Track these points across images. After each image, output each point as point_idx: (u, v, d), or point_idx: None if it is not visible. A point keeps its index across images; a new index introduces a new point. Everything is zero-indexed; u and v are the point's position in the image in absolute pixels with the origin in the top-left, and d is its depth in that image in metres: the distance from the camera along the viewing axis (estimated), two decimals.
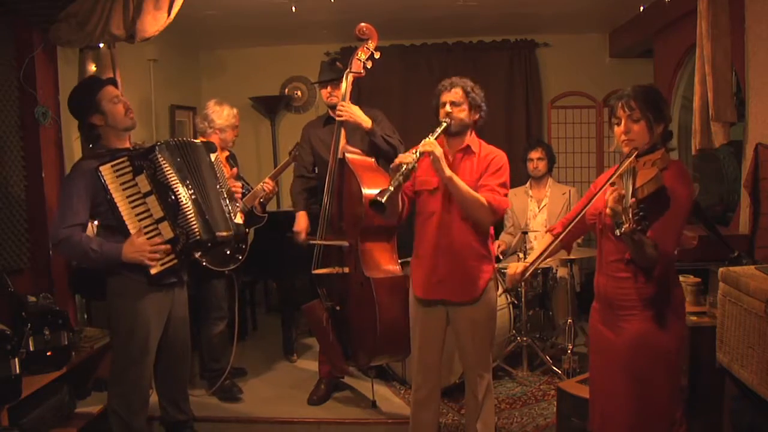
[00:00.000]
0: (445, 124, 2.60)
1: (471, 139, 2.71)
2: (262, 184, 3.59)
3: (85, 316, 3.81)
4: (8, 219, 3.21)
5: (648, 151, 2.04)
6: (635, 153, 2.03)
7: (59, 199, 2.69)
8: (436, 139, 2.55)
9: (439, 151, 2.50)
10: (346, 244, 3.09)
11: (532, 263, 2.31)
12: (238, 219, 2.91)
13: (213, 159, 2.87)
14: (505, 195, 2.66)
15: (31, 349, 2.88)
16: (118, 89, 2.75)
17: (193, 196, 2.68)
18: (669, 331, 2.04)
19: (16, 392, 2.64)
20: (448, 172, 2.52)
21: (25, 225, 3.29)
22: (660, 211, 1.94)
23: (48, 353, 2.94)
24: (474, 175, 2.65)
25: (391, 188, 2.41)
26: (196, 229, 2.64)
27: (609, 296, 2.14)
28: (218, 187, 2.83)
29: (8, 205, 3.21)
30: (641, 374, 2.04)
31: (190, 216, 2.63)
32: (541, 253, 2.30)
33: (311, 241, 3.33)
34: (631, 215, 1.80)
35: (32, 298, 3.06)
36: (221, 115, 3.58)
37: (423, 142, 2.51)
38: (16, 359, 2.62)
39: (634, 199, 1.83)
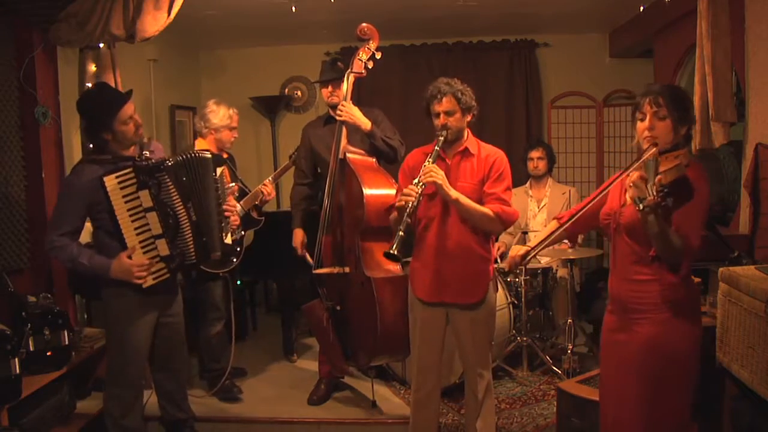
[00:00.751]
0: (442, 139, 2.59)
1: (468, 140, 2.71)
2: (261, 186, 3.58)
3: (85, 316, 3.81)
4: (8, 219, 3.21)
5: (669, 150, 2.00)
6: (656, 146, 1.99)
7: (57, 201, 2.69)
8: (436, 158, 2.55)
9: (441, 177, 2.50)
10: (343, 270, 3.12)
11: (534, 248, 2.29)
12: (228, 239, 2.89)
13: (218, 174, 2.82)
14: (510, 198, 2.67)
15: (31, 349, 2.89)
16: (132, 102, 2.69)
17: (193, 218, 2.67)
18: (683, 334, 2.01)
19: (16, 392, 2.64)
20: (453, 194, 2.53)
21: (25, 225, 3.29)
22: (682, 201, 1.89)
23: (48, 353, 2.94)
24: (475, 177, 2.64)
25: (401, 233, 2.42)
26: (193, 253, 2.66)
27: (622, 299, 2.11)
28: (218, 205, 2.81)
29: (8, 205, 3.21)
30: (654, 377, 2.01)
31: (188, 239, 2.65)
32: (543, 240, 2.28)
33: (316, 271, 3.26)
34: (655, 191, 1.77)
35: (32, 298, 3.06)
36: (217, 114, 3.56)
37: (423, 169, 2.50)
38: (16, 359, 2.62)
39: (659, 177, 1.79)
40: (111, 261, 2.56)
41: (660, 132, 2.02)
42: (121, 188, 2.54)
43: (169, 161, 2.64)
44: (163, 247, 2.62)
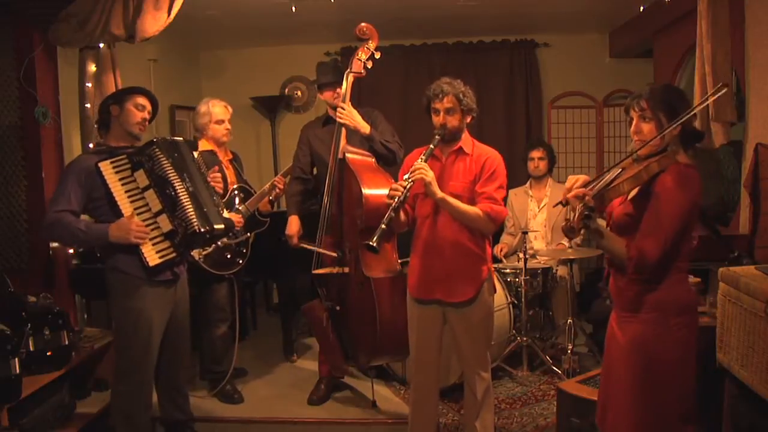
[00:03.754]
0: (438, 138, 2.61)
1: (464, 139, 2.71)
2: (273, 182, 3.58)
3: (85, 316, 3.81)
4: (8, 219, 3.22)
5: (658, 153, 1.97)
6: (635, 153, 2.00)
7: (57, 185, 2.73)
8: (428, 157, 2.56)
9: (429, 176, 2.51)
10: (334, 254, 3.14)
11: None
12: (226, 213, 2.93)
13: (196, 156, 2.92)
14: (504, 197, 2.68)
15: (31, 349, 2.88)
16: (151, 105, 2.82)
17: (190, 189, 2.71)
18: (669, 337, 1.97)
19: (16, 392, 2.64)
20: (439, 194, 2.55)
21: (25, 225, 3.29)
22: (641, 211, 1.94)
23: (48, 353, 2.94)
24: (468, 177, 2.65)
25: (383, 226, 2.45)
26: (194, 221, 2.65)
27: (616, 296, 2.12)
28: (205, 181, 2.87)
29: (8, 205, 3.22)
30: (639, 377, 2.00)
31: (188, 208, 2.65)
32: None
33: (302, 245, 3.32)
34: (578, 213, 1.83)
35: (32, 298, 3.06)
36: (199, 114, 3.60)
37: (413, 167, 2.52)
38: (16, 359, 2.62)
39: (589, 198, 1.85)
40: (108, 225, 2.59)
41: (646, 135, 2.00)
42: (116, 172, 2.64)
43: (157, 138, 2.74)
44: (164, 223, 2.65)
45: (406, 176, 2.52)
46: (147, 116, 2.78)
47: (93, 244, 2.69)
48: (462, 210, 2.58)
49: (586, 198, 1.86)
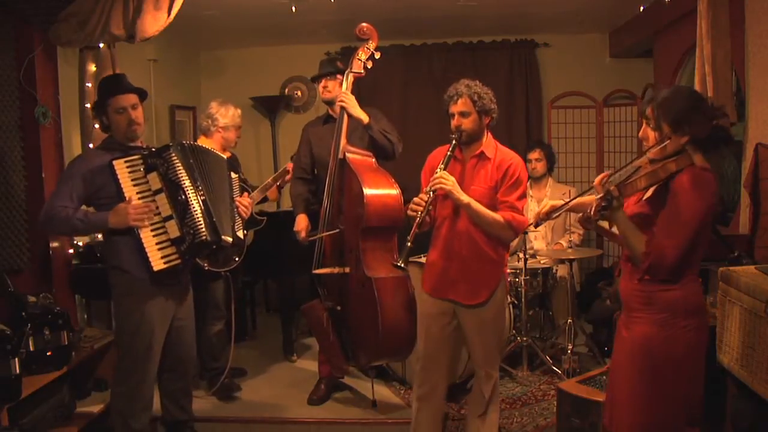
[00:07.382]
0: (455, 142, 2.60)
1: (486, 143, 2.69)
2: (284, 168, 3.70)
3: (85, 316, 3.80)
4: (8, 219, 3.21)
5: (669, 156, 1.99)
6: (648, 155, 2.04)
7: (60, 176, 2.74)
8: (448, 163, 2.56)
9: (450, 184, 2.51)
10: (343, 270, 3.10)
11: (560, 207, 2.28)
12: (240, 233, 2.93)
13: (234, 177, 2.95)
14: (524, 206, 2.69)
15: (31, 349, 2.88)
16: (135, 95, 2.74)
17: (202, 197, 2.69)
18: (677, 337, 1.98)
19: (16, 392, 2.64)
20: (465, 199, 2.55)
21: (25, 225, 3.29)
22: (657, 209, 1.96)
23: (48, 353, 2.94)
24: (489, 182, 2.64)
25: (409, 244, 2.45)
26: (203, 230, 2.64)
27: (624, 296, 2.13)
28: (229, 198, 2.88)
29: (8, 205, 3.21)
30: (645, 376, 2.01)
31: (197, 216, 2.64)
32: (568, 201, 2.29)
33: (311, 238, 3.33)
34: (595, 204, 1.94)
35: (32, 298, 3.06)
36: (226, 114, 3.60)
37: (433, 177, 2.53)
38: (16, 359, 2.62)
39: (614, 187, 1.93)
40: (107, 213, 2.58)
41: (651, 142, 2.03)
42: (130, 172, 2.62)
43: (175, 142, 2.76)
44: (173, 229, 2.63)
45: (427, 188, 2.52)
46: (132, 114, 2.69)
47: (94, 233, 2.65)
48: (485, 216, 2.57)
49: (611, 188, 1.95)
